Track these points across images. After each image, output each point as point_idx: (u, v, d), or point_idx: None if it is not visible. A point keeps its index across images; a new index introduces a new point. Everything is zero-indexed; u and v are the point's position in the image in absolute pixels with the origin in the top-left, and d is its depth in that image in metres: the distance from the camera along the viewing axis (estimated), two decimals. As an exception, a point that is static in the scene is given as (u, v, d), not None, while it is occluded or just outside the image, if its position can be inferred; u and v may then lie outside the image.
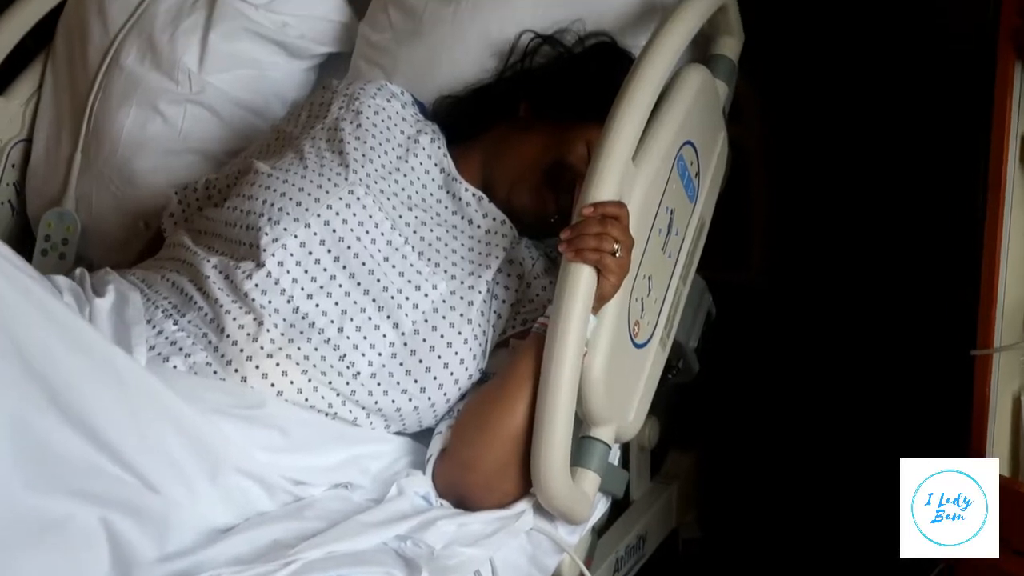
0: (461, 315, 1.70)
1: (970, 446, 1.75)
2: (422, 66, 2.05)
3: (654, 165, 1.72)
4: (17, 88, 2.23)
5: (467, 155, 1.88)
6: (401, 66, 2.07)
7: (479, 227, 1.81)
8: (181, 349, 1.60)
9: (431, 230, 1.78)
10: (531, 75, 1.96)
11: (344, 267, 1.68)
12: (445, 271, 1.74)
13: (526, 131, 1.87)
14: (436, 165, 1.86)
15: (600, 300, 1.59)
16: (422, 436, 1.73)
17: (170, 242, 1.81)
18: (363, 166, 1.77)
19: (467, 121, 1.93)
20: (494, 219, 1.82)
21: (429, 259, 1.74)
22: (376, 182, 1.77)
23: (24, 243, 2.18)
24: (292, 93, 2.21)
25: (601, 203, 1.58)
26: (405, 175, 1.82)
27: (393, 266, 1.71)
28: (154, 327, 1.62)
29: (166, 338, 1.61)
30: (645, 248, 1.71)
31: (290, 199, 1.70)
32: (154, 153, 2.11)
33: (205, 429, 1.44)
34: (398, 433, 1.71)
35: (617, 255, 1.57)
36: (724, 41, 1.96)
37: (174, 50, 2.11)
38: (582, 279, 1.56)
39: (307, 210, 1.69)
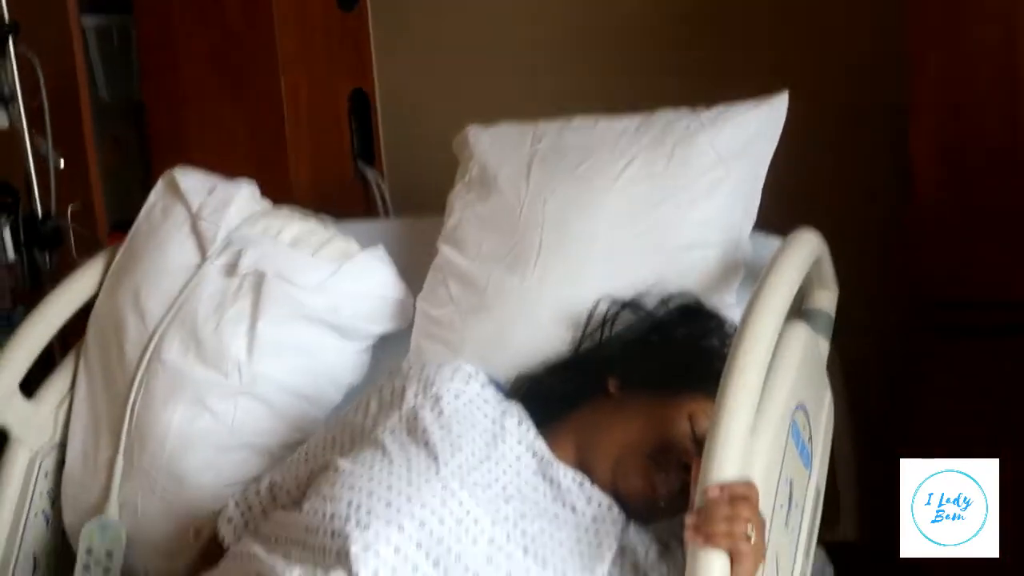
0: None
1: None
2: (491, 341, 1.90)
3: (771, 435, 1.58)
4: (46, 392, 2.05)
5: (558, 437, 1.72)
6: (468, 342, 1.92)
7: (584, 515, 1.63)
8: None
9: (532, 522, 1.60)
10: (614, 346, 1.82)
11: (445, 571, 1.49)
12: (554, 567, 1.55)
13: (620, 410, 1.72)
14: (528, 450, 1.69)
15: None
16: None
17: (236, 551, 1.62)
18: (452, 457, 1.60)
19: (552, 401, 1.77)
20: (599, 504, 1.64)
21: (535, 555, 1.56)
22: (469, 474, 1.60)
23: (63, 557, 1.98)
24: (347, 377, 2.06)
25: (729, 484, 1.42)
26: (497, 463, 1.65)
27: (498, 567, 1.52)
28: None
29: None
30: (770, 526, 1.53)
31: (378, 499, 1.52)
32: (204, 451, 1.93)
33: None
34: None
35: (751, 539, 1.40)
36: (820, 295, 1.84)
37: (220, 341, 1.96)
38: (715, 569, 1.39)
39: (399, 511, 1.51)
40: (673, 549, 1.67)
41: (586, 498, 1.65)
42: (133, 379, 1.97)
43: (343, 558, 1.48)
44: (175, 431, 1.93)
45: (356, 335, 2.05)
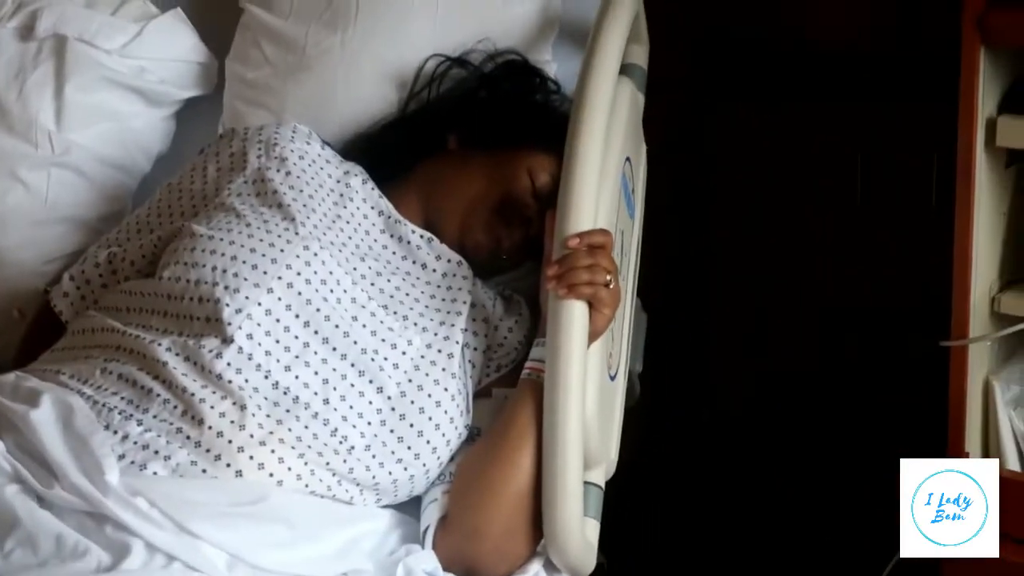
0: (443, 369, 1.56)
1: (947, 435, 1.73)
2: (315, 103, 1.88)
3: (609, 187, 1.62)
4: None
5: (401, 195, 1.74)
6: (291, 105, 1.88)
7: (435, 271, 1.68)
8: (157, 452, 1.40)
9: (388, 280, 1.63)
10: (449, 102, 1.83)
11: (316, 332, 1.52)
12: (415, 324, 1.59)
13: (462, 166, 1.75)
14: (373, 208, 1.71)
15: (593, 336, 1.49)
16: (406, 506, 1.59)
17: (83, 327, 1.59)
18: (308, 218, 1.61)
19: (391, 160, 1.79)
20: (449, 261, 1.69)
21: (395, 313, 1.60)
22: (325, 233, 1.61)
23: None
24: (156, 145, 2.00)
25: (586, 232, 1.47)
26: (348, 222, 1.67)
27: (364, 325, 1.56)
28: (115, 432, 1.41)
29: (135, 443, 1.40)
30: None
31: (243, 262, 1.52)
32: (19, 227, 1.86)
33: None
34: (385, 506, 1.56)
35: (610, 285, 1.47)
36: (635, 50, 1.88)
37: (26, 109, 1.87)
38: (577, 316, 1.46)
39: (265, 273, 1.52)
40: (515, 301, 1.74)
41: (435, 255, 1.69)
42: (-67, 152, 1.88)
43: (214, 323, 1.48)
44: None
45: (162, 100, 1.99)
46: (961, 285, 1.68)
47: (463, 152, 1.77)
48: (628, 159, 1.75)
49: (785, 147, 2.30)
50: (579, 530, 1.48)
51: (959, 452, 1.73)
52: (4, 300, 1.85)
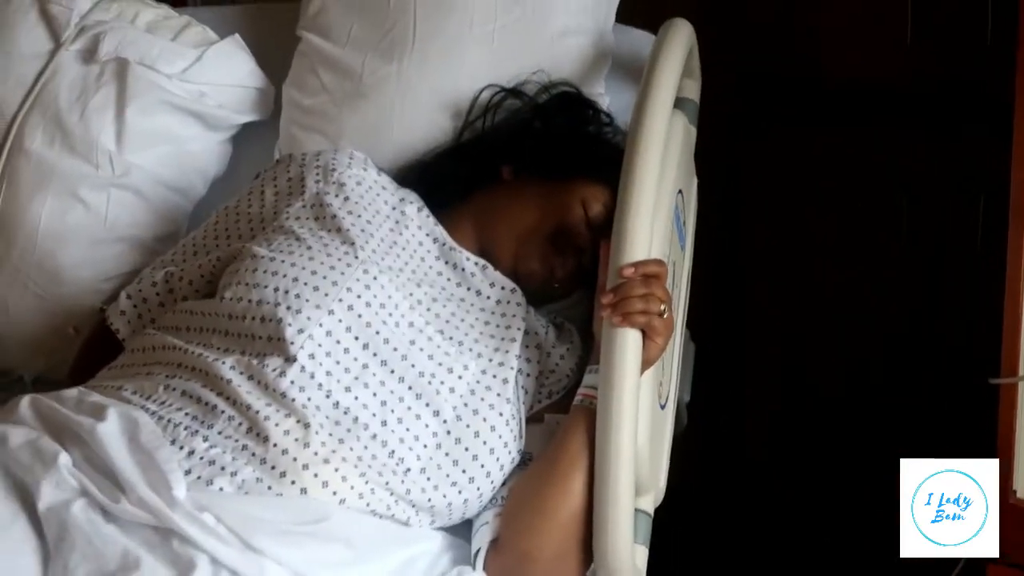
0: (498, 395, 1.58)
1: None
2: (371, 130, 1.91)
3: (663, 218, 1.65)
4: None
5: (455, 223, 1.76)
6: (347, 131, 1.91)
7: (489, 298, 1.70)
8: (223, 468, 1.42)
9: (444, 306, 1.66)
10: (503, 132, 1.86)
11: (375, 354, 1.54)
12: (470, 349, 1.61)
13: (517, 195, 1.77)
14: (428, 235, 1.73)
15: (646, 364, 1.50)
16: (457, 528, 1.60)
17: (143, 345, 1.61)
18: (367, 242, 1.63)
19: (445, 187, 1.81)
20: (503, 288, 1.71)
21: (451, 338, 1.62)
22: (383, 258, 1.64)
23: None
24: (213, 168, 2.03)
25: (641, 262, 1.49)
26: (404, 248, 1.69)
27: (421, 349, 1.58)
28: (181, 447, 1.43)
29: (201, 458, 1.42)
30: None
31: (305, 284, 1.54)
32: (78, 245, 1.89)
33: None
34: (437, 528, 1.58)
35: (664, 315, 1.48)
36: (688, 84, 1.90)
37: (88, 130, 1.90)
38: (631, 345, 1.47)
39: (327, 295, 1.54)
40: (567, 329, 1.76)
41: (489, 282, 1.71)
42: (-5, 171, 1.91)
43: (276, 343, 1.50)
44: (45, 225, 1.89)
45: (220, 125, 2.02)
46: (1012, 322, 1.68)
47: (517, 182, 1.79)
48: (680, 191, 1.77)
49: (822, 180, 2.33)
50: (629, 556, 1.49)
51: (1008, 489, 1.73)
52: (61, 318, 1.88)
